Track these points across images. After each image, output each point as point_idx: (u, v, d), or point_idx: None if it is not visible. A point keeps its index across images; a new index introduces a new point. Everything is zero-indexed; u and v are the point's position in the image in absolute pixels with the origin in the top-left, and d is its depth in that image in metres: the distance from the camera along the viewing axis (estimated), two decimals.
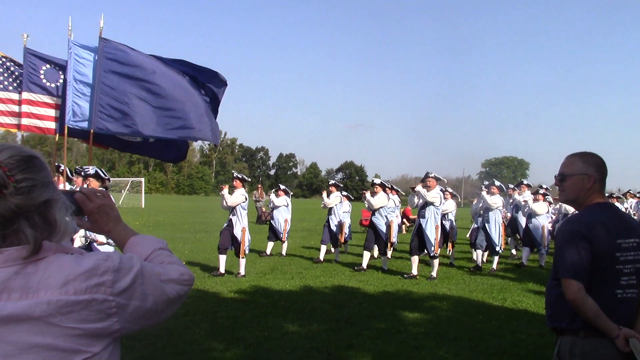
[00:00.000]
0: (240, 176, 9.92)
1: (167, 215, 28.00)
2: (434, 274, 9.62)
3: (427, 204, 9.66)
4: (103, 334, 1.18)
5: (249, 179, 10.66)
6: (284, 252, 12.40)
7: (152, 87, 5.65)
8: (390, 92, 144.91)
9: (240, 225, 9.39)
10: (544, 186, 13.43)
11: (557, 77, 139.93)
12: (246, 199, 9.69)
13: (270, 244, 12.43)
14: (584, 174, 2.37)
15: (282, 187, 12.93)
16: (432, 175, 9.78)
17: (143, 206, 37.75)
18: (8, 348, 1.10)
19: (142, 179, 48.41)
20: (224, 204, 9.53)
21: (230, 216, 9.52)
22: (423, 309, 7.01)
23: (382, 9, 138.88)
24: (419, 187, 9.70)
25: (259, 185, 26.52)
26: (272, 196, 12.70)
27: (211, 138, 5.83)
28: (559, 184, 2.46)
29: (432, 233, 9.58)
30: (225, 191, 9.49)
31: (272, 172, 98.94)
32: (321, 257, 11.45)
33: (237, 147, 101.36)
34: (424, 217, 9.68)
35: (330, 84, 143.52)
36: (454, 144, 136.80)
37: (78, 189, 1.49)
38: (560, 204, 12.47)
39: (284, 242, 12.33)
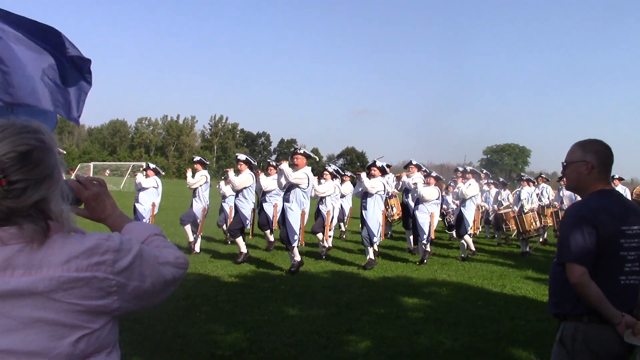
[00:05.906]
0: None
1: (168, 199, 27.98)
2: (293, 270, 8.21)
3: (292, 185, 8.17)
4: (103, 312, 1.22)
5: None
6: None
7: None
8: (394, 78, 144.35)
9: None
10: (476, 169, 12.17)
11: (560, 64, 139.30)
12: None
13: None
14: (581, 161, 2.38)
15: (152, 166, 10.84)
16: (302, 151, 8.38)
17: None
18: (11, 323, 1.13)
19: (143, 164, 48.31)
20: None
21: None
22: (422, 295, 7.04)
23: None
24: (283, 165, 8.06)
25: (257, 171, 26.24)
26: (139, 176, 10.63)
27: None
28: (563, 172, 2.51)
29: (297, 220, 8.17)
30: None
31: (273, 157, 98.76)
32: (197, 249, 9.97)
33: (238, 132, 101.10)
34: (288, 201, 8.25)
35: (334, 70, 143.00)
36: (455, 131, 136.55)
37: (73, 177, 1.50)
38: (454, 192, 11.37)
39: None
